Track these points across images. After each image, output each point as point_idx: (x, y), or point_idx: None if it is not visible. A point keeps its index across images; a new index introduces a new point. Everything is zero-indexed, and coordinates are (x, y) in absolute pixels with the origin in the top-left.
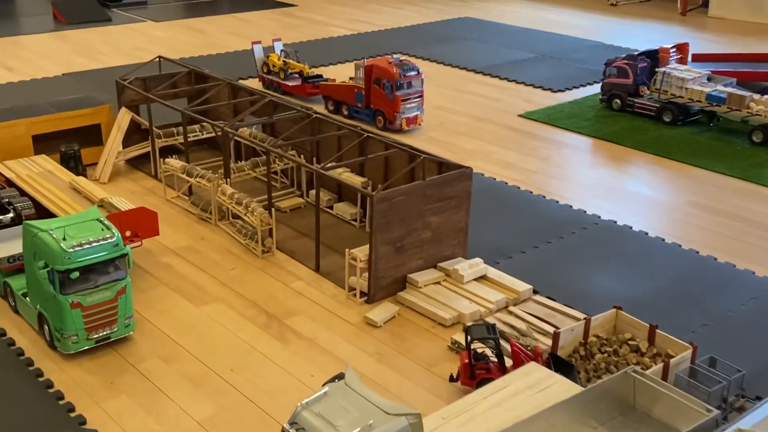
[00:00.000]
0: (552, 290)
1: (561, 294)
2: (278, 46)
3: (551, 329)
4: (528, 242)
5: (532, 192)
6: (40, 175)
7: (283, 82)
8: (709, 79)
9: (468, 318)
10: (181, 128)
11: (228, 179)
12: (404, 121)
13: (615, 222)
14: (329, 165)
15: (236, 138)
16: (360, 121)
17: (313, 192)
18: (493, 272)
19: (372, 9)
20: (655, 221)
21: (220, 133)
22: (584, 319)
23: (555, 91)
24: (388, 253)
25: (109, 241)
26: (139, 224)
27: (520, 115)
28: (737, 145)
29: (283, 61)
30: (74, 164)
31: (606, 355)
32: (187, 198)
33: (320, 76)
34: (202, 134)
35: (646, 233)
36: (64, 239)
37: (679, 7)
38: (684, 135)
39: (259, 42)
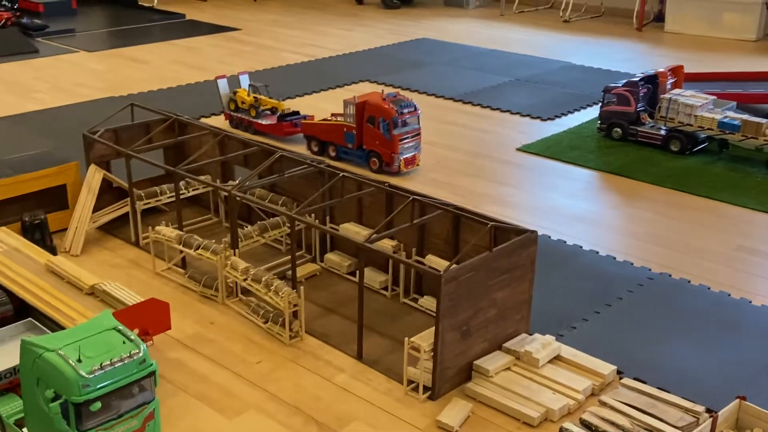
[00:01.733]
0: (637, 369)
1: (648, 373)
2: (245, 80)
3: (657, 424)
4: (586, 306)
5: (566, 241)
6: (6, 254)
7: (255, 120)
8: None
9: (557, 414)
10: (164, 186)
11: (236, 250)
12: (402, 162)
13: (669, 275)
14: (374, 237)
15: (245, 202)
16: (350, 163)
17: (328, 256)
18: (566, 351)
19: (321, 31)
20: (710, 272)
21: (212, 192)
22: (711, 416)
23: (544, 120)
24: (454, 339)
25: (135, 358)
26: (148, 319)
27: (518, 149)
28: (756, 175)
29: (254, 97)
30: (40, 236)
31: None
32: (183, 271)
33: (297, 112)
34: (189, 191)
35: (708, 288)
36: (80, 361)
37: (635, 23)
38: (697, 166)
39: (223, 76)
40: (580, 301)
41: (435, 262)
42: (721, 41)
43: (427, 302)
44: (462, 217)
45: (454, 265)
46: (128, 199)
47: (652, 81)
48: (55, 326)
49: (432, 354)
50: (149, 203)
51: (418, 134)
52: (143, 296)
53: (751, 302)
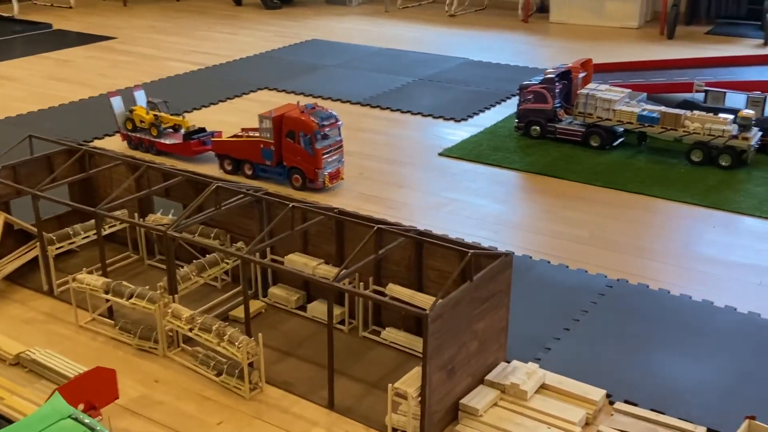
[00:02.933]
0: (624, 390)
1: (637, 393)
2: (141, 97)
3: None
4: (553, 324)
5: (514, 252)
6: None
7: (156, 140)
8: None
9: None
10: (77, 226)
11: (175, 295)
12: (327, 177)
13: (627, 281)
14: (343, 273)
15: (181, 242)
16: (270, 181)
17: (272, 290)
18: (551, 377)
19: (203, 36)
20: (664, 274)
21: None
22: None
23: (458, 121)
24: (441, 380)
25: None
26: (94, 391)
27: (440, 154)
28: (679, 166)
29: (154, 114)
30: None
31: None
32: (111, 322)
33: (203, 129)
34: (105, 229)
35: (668, 292)
36: None
37: (521, 14)
38: (620, 160)
39: (117, 94)
40: (545, 318)
41: (398, 291)
42: (606, 29)
43: (391, 335)
44: (426, 243)
45: (440, 302)
46: (35, 242)
47: (566, 76)
48: None
49: (420, 399)
50: (62, 247)
51: (341, 147)
52: (69, 355)
53: (713, 303)
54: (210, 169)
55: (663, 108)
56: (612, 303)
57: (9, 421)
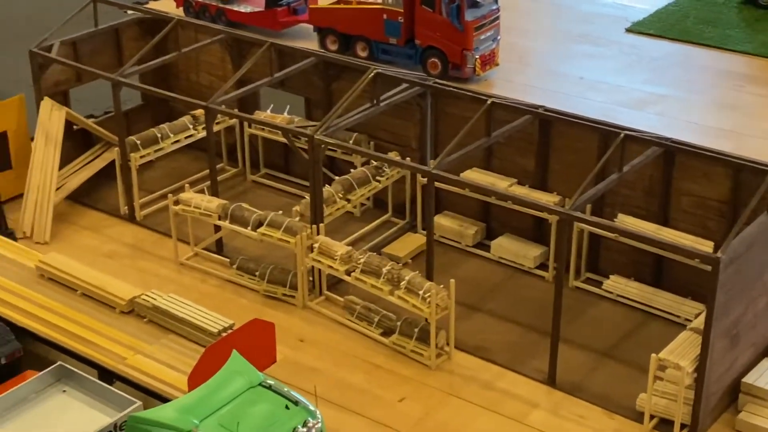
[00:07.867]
0: None
1: None
2: None
3: None
4: None
5: None
6: None
7: (226, 6)
8: None
9: None
10: (163, 126)
11: (320, 225)
12: (478, 62)
13: None
14: (580, 201)
15: (329, 151)
16: (393, 65)
17: (439, 220)
18: None
19: None
20: None
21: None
22: None
23: None
24: (723, 349)
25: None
26: (249, 351)
27: (628, 30)
28: None
29: None
30: None
31: None
32: (223, 259)
33: None
34: (199, 131)
35: None
36: None
37: None
38: None
39: None
40: None
41: (633, 225)
42: None
43: (617, 285)
44: (680, 154)
45: (733, 241)
46: (102, 146)
47: None
48: (91, 369)
49: (695, 376)
50: (147, 155)
51: (497, 19)
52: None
53: None
54: (312, 45)
55: None
56: None
57: (131, 384)
